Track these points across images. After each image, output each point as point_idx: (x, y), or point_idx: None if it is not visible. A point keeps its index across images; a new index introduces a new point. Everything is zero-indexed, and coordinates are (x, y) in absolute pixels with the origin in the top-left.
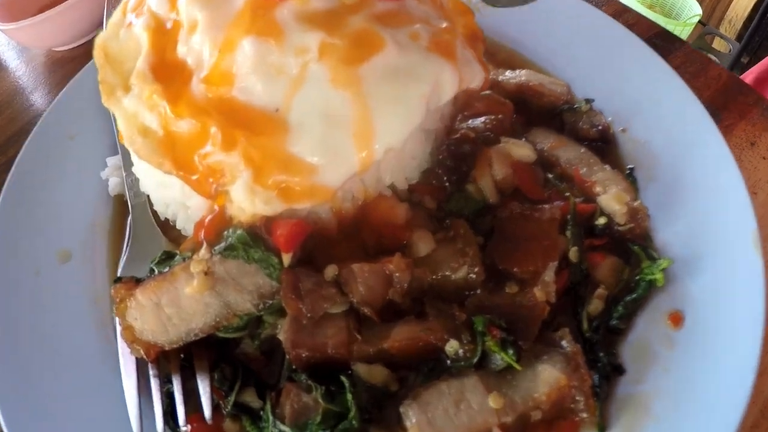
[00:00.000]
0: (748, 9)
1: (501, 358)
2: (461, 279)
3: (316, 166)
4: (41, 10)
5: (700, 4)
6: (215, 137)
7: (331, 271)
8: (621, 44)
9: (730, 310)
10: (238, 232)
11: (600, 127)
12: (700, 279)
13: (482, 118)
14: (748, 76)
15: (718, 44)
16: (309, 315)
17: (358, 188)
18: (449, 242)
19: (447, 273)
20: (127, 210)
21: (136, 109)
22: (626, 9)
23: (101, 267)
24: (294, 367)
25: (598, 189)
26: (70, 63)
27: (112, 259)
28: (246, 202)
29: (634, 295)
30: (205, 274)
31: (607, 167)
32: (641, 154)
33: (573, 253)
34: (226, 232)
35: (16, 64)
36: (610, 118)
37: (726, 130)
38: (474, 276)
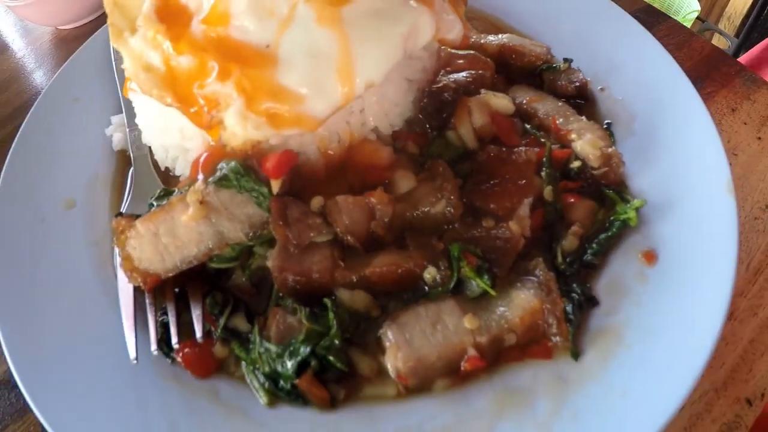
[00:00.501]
0: (747, 5)
1: (477, 285)
2: (439, 213)
3: (302, 96)
4: None
5: (699, 0)
6: (212, 70)
7: (317, 202)
8: (600, 12)
9: (704, 249)
10: (232, 163)
11: (578, 83)
12: (674, 221)
13: (464, 73)
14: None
15: (716, 40)
16: (295, 242)
17: (344, 130)
18: (429, 181)
19: (426, 208)
20: (129, 164)
21: (142, 49)
22: None
23: (103, 213)
24: (281, 294)
25: (573, 136)
26: (75, 41)
27: (114, 206)
28: (238, 127)
29: (608, 234)
30: (200, 203)
31: (584, 118)
32: (619, 110)
33: (547, 192)
34: (220, 165)
35: (22, 43)
36: (588, 79)
37: (707, 96)
38: (452, 209)
